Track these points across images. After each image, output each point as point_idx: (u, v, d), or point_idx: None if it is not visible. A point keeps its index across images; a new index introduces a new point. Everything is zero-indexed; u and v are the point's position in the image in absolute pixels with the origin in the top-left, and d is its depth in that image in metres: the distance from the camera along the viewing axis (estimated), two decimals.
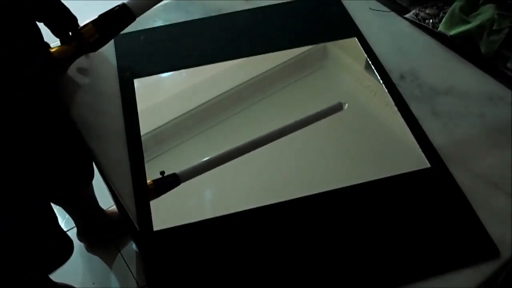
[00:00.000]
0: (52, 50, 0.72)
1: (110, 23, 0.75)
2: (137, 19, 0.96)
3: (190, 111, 0.82)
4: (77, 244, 1.36)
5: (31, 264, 0.86)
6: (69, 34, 0.79)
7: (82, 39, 0.73)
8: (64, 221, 1.43)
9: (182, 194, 0.72)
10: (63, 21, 0.77)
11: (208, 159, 0.74)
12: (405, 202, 0.69)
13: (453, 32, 0.86)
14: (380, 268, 0.63)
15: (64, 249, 0.98)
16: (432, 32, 0.90)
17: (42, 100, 0.76)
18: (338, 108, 0.77)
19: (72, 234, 1.41)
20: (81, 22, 0.78)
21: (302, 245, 0.65)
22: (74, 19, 0.79)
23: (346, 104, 0.74)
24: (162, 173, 0.72)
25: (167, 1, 1.01)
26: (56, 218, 0.92)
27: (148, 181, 0.71)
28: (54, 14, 0.76)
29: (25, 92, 0.69)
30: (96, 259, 1.37)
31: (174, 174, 0.72)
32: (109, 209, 1.34)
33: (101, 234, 1.35)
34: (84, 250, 1.37)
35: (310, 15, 0.96)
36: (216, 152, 0.77)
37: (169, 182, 0.72)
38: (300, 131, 0.79)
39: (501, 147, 0.74)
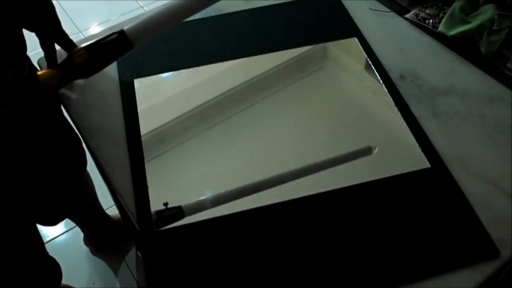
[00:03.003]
0: (39, 73, 0.65)
1: (105, 51, 0.66)
2: (137, 19, 0.96)
3: (190, 111, 0.82)
4: (80, 246, 1.37)
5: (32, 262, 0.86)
6: (54, 47, 0.78)
7: (73, 66, 0.65)
8: (64, 222, 1.43)
9: (183, 194, 0.72)
10: (53, 32, 0.77)
11: (217, 195, 0.71)
12: (405, 202, 0.69)
13: (453, 32, 0.86)
14: (380, 268, 0.63)
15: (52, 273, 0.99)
16: (432, 32, 0.90)
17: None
18: (367, 151, 0.75)
19: (72, 234, 1.42)
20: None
21: (302, 245, 0.65)
22: (63, 33, 0.79)
23: (376, 149, 0.73)
24: (165, 204, 0.68)
25: (167, 1, 1.01)
26: (43, 245, 0.93)
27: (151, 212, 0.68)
28: (47, 23, 0.75)
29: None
30: (96, 260, 1.38)
31: (179, 207, 0.69)
32: (114, 214, 1.35)
33: (108, 239, 1.36)
34: (85, 252, 1.38)
35: (310, 15, 0.96)
36: (215, 152, 0.77)
37: (172, 214, 0.68)
38: (299, 131, 0.79)
39: (501, 147, 0.74)
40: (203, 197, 0.71)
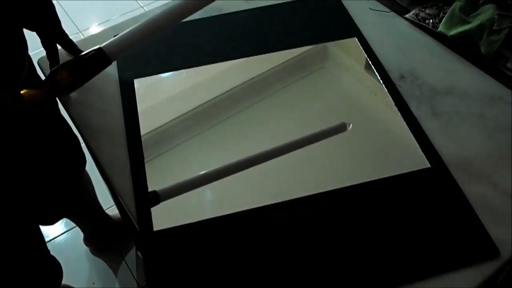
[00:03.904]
0: (23, 92, 0.67)
1: (84, 68, 0.70)
2: (137, 19, 0.97)
3: (190, 111, 0.82)
4: (80, 246, 1.37)
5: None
6: (56, 46, 0.79)
7: (56, 82, 0.69)
8: (64, 222, 1.43)
9: (182, 194, 0.72)
10: (53, 32, 0.77)
11: (193, 178, 0.73)
12: (405, 202, 0.69)
13: (453, 32, 0.86)
14: (380, 268, 0.63)
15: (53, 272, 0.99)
16: (432, 32, 0.90)
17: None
18: (342, 128, 0.77)
19: (72, 234, 1.42)
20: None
21: (302, 245, 0.65)
22: (63, 33, 0.79)
23: (351, 125, 0.74)
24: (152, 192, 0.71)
25: (167, 1, 1.01)
26: (45, 244, 0.93)
27: None
28: (47, 23, 0.75)
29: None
30: (96, 260, 1.38)
31: (154, 192, 0.71)
32: (114, 214, 1.35)
33: (108, 239, 1.36)
34: (85, 252, 1.38)
35: (310, 15, 0.96)
36: (215, 152, 0.77)
37: (149, 199, 0.71)
38: (299, 131, 0.79)
39: (501, 147, 0.74)
40: (179, 181, 0.72)
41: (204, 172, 0.73)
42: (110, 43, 0.70)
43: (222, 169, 0.73)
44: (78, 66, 0.69)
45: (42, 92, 0.68)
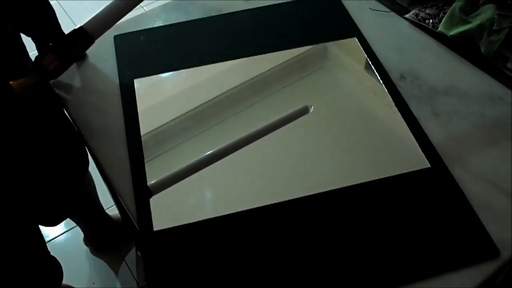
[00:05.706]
0: (12, 83, 0.67)
1: (69, 48, 0.71)
2: (137, 19, 0.97)
3: (190, 111, 0.82)
4: (80, 246, 1.37)
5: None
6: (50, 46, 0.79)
7: (43, 67, 0.69)
8: (64, 222, 1.43)
9: (182, 194, 0.72)
10: (53, 35, 0.77)
11: (179, 170, 0.74)
12: (405, 202, 0.69)
13: (453, 32, 0.86)
14: (380, 268, 0.63)
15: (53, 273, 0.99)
16: (432, 32, 0.90)
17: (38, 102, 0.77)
18: (304, 111, 0.77)
19: (72, 234, 1.42)
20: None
21: (302, 245, 0.65)
22: (63, 35, 0.79)
23: (312, 107, 0.74)
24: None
25: (167, 1, 1.01)
26: (45, 244, 0.93)
27: None
28: (47, 27, 0.75)
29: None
30: (96, 260, 1.38)
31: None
32: (114, 214, 1.35)
33: (108, 239, 1.36)
34: (85, 252, 1.38)
35: (310, 15, 0.96)
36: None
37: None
38: (300, 130, 0.79)
39: (501, 147, 0.74)
40: (167, 174, 0.73)
41: (188, 163, 0.74)
42: (89, 21, 0.73)
43: (207, 157, 0.75)
44: (63, 48, 0.71)
45: (31, 79, 0.68)
